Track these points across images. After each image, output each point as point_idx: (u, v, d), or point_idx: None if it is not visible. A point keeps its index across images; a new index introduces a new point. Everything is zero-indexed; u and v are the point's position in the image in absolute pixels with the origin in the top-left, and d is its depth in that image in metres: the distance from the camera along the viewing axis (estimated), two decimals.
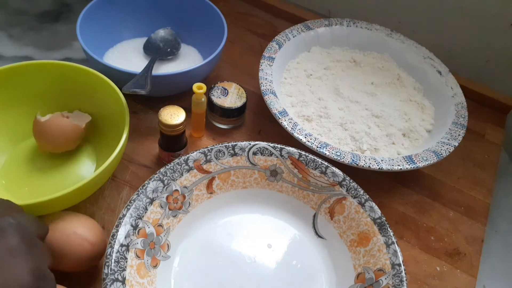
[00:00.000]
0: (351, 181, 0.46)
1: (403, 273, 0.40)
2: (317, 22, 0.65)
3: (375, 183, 0.54)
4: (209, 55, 0.55)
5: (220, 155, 0.46)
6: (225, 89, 0.56)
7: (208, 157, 0.46)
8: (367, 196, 0.45)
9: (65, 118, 0.48)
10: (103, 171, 0.40)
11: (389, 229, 0.43)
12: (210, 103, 0.55)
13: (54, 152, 0.49)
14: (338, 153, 0.49)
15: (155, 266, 0.41)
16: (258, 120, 0.59)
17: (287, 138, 0.51)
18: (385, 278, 0.40)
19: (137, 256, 0.39)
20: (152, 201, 0.42)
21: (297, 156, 0.47)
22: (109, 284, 0.36)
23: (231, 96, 0.55)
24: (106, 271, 0.36)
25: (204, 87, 0.49)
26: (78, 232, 0.38)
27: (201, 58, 0.63)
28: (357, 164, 0.48)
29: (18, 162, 0.49)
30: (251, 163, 0.47)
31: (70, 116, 0.49)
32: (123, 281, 0.37)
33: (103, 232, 0.41)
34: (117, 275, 0.37)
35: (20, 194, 0.46)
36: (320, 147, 0.49)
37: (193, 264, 0.43)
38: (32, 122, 0.48)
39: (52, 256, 0.33)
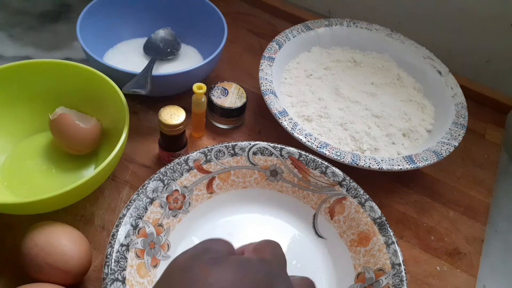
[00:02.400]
0: (351, 181, 0.46)
1: (403, 273, 0.40)
2: (317, 22, 0.65)
3: (375, 183, 0.54)
4: (209, 55, 0.55)
5: (220, 155, 0.46)
6: (225, 89, 0.56)
7: (208, 157, 0.46)
8: (367, 196, 0.45)
9: (96, 124, 0.48)
10: (103, 169, 0.40)
11: (389, 229, 0.43)
12: (210, 103, 0.55)
13: (76, 153, 0.49)
14: (338, 153, 0.49)
15: (155, 266, 0.41)
16: (258, 120, 0.59)
17: (287, 138, 0.51)
18: (385, 278, 0.40)
19: (137, 256, 0.39)
20: (152, 201, 0.42)
21: (297, 156, 0.47)
22: (109, 283, 0.36)
23: (231, 96, 0.55)
24: (106, 270, 0.36)
25: (204, 87, 0.49)
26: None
27: (201, 58, 0.63)
28: (357, 164, 0.48)
29: (18, 161, 0.49)
30: (251, 163, 0.47)
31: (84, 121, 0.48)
32: (123, 281, 0.37)
33: (88, 252, 0.40)
34: (117, 274, 0.37)
35: (20, 192, 0.46)
36: (320, 147, 0.49)
37: None
38: (31, 121, 0.48)
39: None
